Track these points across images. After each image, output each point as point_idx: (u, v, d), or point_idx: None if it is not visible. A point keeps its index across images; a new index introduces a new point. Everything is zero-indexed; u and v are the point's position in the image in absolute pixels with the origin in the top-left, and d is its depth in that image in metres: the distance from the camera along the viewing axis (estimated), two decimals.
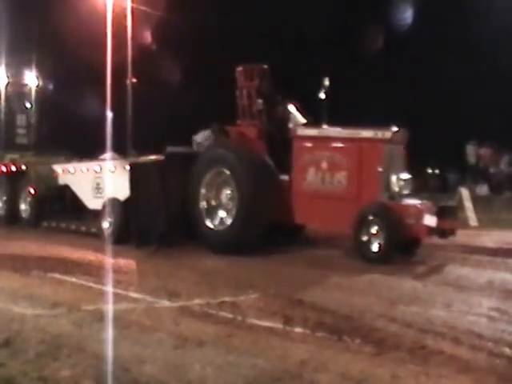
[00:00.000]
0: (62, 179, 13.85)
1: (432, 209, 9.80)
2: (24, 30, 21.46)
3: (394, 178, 9.98)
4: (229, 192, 10.89)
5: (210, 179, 11.07)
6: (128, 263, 9.77)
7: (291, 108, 11.57)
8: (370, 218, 9.62)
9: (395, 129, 10.29)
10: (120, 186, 11.62)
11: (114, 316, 6.31)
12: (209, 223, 10.95)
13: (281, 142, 11.08)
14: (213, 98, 24.01)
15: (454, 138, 25.47)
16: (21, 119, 17.19)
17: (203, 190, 11.07)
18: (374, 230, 9.57)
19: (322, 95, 11.61)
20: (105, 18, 26.30)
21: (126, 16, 27.88)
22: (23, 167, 14.71)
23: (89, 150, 15.46)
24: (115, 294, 7.40)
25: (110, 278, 8.19)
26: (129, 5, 28.05)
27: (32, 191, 14.29)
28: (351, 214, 9.75)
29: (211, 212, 11.02)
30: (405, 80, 29.92)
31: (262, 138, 11.23)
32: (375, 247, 9.55)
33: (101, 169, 12.72)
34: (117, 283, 8.01)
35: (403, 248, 9.80)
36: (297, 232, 11.67)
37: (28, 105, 17.25)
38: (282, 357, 5.24)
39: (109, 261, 9.64)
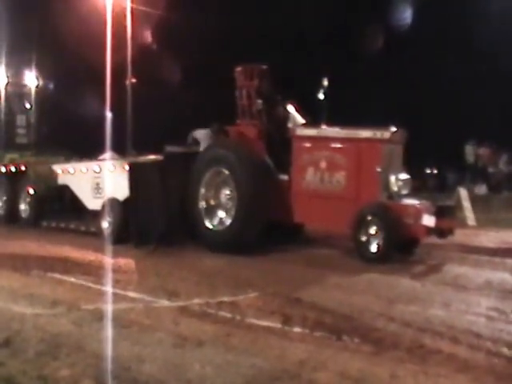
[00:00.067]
0: (62, 179, 13.85)
1: (430, 208, 9.81)
2: (24, 30, 21.48)
3: (392, 178, 10.00)
4: (228, 192, 10.91)
5: (210, 179, 11.08)
6: (127, 263, 9.77)
7: (290, 108, 11.59)
8: (369, 217, 9.64)
9: (394, 129, 10.30)
10: (119, 185, 11.64)
11: (114, 315, 6.33)
12: (208, 223, 10.97)
13: (280, 141, 11.09)
14: (213, 98, 24.02)
15: (452, 137, 25.49)
16: (20, 119, 17.19)
17: (202, 190, 11.09)
18: (372, 229, 9.58)
19: (321, 95, 11.62)
20: (105, 17, 26.32)
21: (125, 16, 27.90)
22: (23, 167, 14.71)
23: (88, 149, 15.47)
24: (115, 294, 7.42)
25: (109, 277, 8.21)
26: (128, 5, 28.06)
27: (31, 191, 14.30)
28: (350, 214, 9.77)
29: (210, 212, 11.04)
30: (405, 80, 29.95)
31: (261, 138, 11.25)
32: (374, 247, 9.56)
33: (100, 169, 12.73)
34: (116, 283, 8.03)
35: (402, 248, 9.81)
36: (296, 232, 11.67)
37: (28, 105, 17.26)
38: (280, 356, 5.26)
39: (108, 260, 9.66)
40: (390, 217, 9.57)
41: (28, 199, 14.40)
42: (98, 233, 12.12)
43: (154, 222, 10.96)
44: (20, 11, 24.53)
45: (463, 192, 15.43)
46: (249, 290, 7.61)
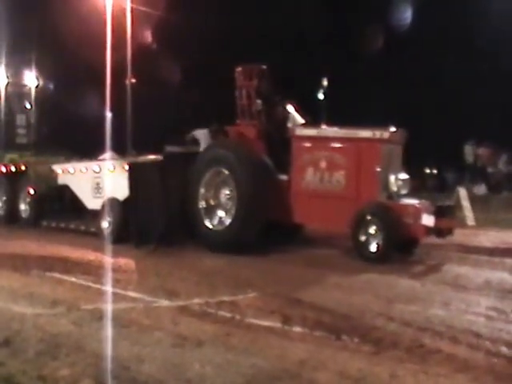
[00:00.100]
0: (62, 179, 13.86)
1: (430, 208, 9.82)
2: (24, 30, 21.50)
3: (392, 178, 10.01)
4: (228, 192, 10.91)
5: (209, 179, 11.09)
6: (127, 263, 9.77)
7: (290, 108, 11.59)
8: (369, 217, 9.64)
9: (393, 129, 10.31)
10: (119, 185, 11.64)
11: (113, 315, 6.33)
12: (208, 223, 10.97)
13: (280, 141, 11.09)
14: (213, 98, 24.04)
15: (452, 137, 25.51)
16: (20, 119, 17.21)
17: (202, 190, 11.09)
18: (372, 229, 9.58)
19: (321, 95, 11.65)
20: (104, 17, 26.32)
21: (125, 16, 27.91)
22: (23, 167, 14.72)
23: (88, 149, 15.49)
24: (114, 294, 7.42)
25: (109, 277, 8.21)
26: (128, 5, 28.06)
27: (31, 191, 14.30)
28: (349, 214, 9.77)
29: (210, 212, 11.05)
30: (405, 80, 29.97)
31: (260, 138, 11.25)
32: (373, 247, 9.56)
33: (100, 169, 12.74)
34: (116, 282, 8.03)
35: (401, 247, 9.82)
36: (295, 231, 11.69)
37: (28, 105, 17.27)
38: (280, 356, 5.26)
39: (108, 260, 9.66)
40: (390, 217, 9.57)
41: (28, 199, 14.41)
42: (98, 233, 12.13)
43: (154, 221, 10.97)
44: (20, 11, 24.54)
45: (462, 192, 15.43)
46: (248, 290, 7.61)
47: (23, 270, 8.96)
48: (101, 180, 12.65)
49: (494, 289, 7.94)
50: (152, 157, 12.08)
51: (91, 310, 6.63)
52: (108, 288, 7.65)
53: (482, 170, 22.66)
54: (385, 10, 29.43)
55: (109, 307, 6.63)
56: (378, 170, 9.97)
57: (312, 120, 11.71)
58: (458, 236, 10.68)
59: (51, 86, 18.21)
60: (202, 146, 11.73)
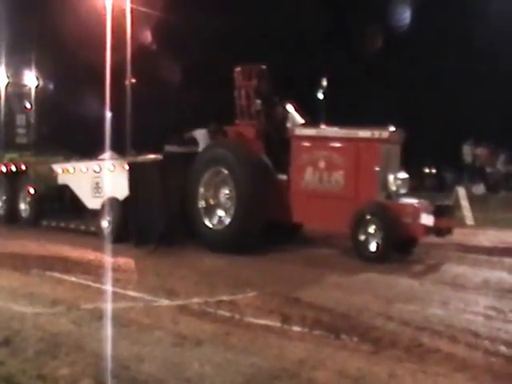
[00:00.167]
0: (62, 179, 13.87)
1: (429, 208, 9.84)
2: (24, 30, 21.51)
3: (391, 178, 10.02)
4: (227, 191, 10.93)
5: (209, 178, 11.10)
6: (127, 262, 9.79)
7: (289, 108, 11.60)
8: (368, 217, 9.65)
9: (392, 129, 10.33)
10: (119, 185, 11.66)
11: (113, 314, 6.35)
12: (207, 222, 10.99)
13: (279, 141, 11.10)
14: (213, 98, 24.03)
15: (451, 137, 25.53)
16: (20, 119, 17.23)
17: (202, 190, 11.11)
18: (371, 229, 9.59)
19: (320, 95, 11.66)
20: (104, 18, 26.33)
21: (125, 16, 27.91)
22: (23, 167, 14.73)
23: (88, 149, 15.50)
24: (114, 293, 7.43)
25: (109, 276, 8.22)
26: (128, 5, 28.07)
27: (31, 191, 14.31)
28: (349, 214, 9.78)
29: (210, 211, 11.06)
30: (404, 80, 29.96)
31: (260, 138, 11.26)
32: (373, 246, 9.57)
33: (100, 168, 12.75)
34: (116, 282, 8.04)
35: (400, 247, 9.83)
36: (294, 231, 11.70)
37: (28, 105, 17.28)
38: (279, 355, 5.27)
39: (108, 260, 9.67)
40: (389, 216, 9.59)
41: (28, 199, 14.41)
42: (98, 232, 12.15)
43: (154, 221, 10.98)
44: (20, 11, 24.54)
45: (461, 191, 15.44)
46: (248, 290, 7.63)
47: (23, 270, 8.98)
48: (101, 180, 12.66)
49: (492, 288, 7.95)
50: (152, 156, 12.09)
51: (91, 310, 6.65)
52: (108, 287, 7.66)
53: (480, 169, 22.68)
54: (384, 10, 29.43)
55: (108, 306, 6.65)
56: (377, 169, 9.98)
57: (311, 120, 11.72)
58: (457, 235, 10.68)
59: (51, 86, 18.24)
60: (201, 146, 11.74)
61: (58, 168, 13.97)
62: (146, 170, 11.50)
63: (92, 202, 12.84)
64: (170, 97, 31.07)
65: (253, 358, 5.15)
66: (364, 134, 10.30)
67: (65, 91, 21.43)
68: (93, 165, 13.07)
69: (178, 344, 5.53)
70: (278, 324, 6.22)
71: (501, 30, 25.62)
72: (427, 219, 9.59)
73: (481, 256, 10.29)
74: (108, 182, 12.27)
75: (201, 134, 11.96)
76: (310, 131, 11.01)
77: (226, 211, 10.89)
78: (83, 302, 6.99)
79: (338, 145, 10.53)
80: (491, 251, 10.65)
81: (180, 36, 30.01)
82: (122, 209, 11.77)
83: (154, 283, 8.11)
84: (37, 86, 17.33)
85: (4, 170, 15.01)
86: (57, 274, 8.69)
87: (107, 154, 14.04)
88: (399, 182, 10.07)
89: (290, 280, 8.49)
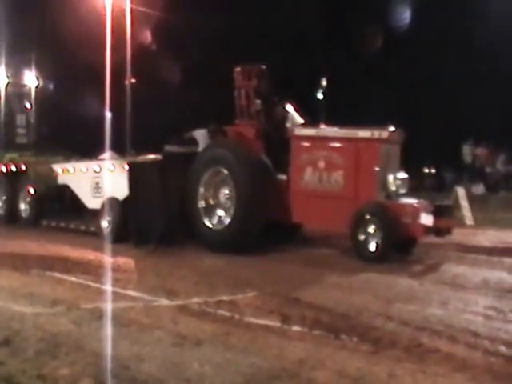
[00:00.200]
0: (62, 179, 13.88)
1: (428, 208, 9.85)
2: (24, 30, 21.52)
3: (390, 178, 10.02)
4: (227, 191, 10.94)
5: (209, 178, 11.11)
6: (127, 262, 9.80)
7: (289, 108, 11.60)
8: (367, 217, 9.66)
9: (392, 129, 10.34)
10: (119, 185, 11.67)
11: (113, 314, 6.35)
12: (207, 222, 11.00)
13: (278, 141, 11.11)
14: (213, 98, 24.03)
15: (450, 137, 25.53)
16: (20, 119, 17.24)
17: (201, 190, 11.12)
18: (371, 229, 9.60)
19: (320, 95, 11.65)
20: (104, 18, 26.34)
21: (125, 16, 27.91)
22: (23, 167, 14.74)
23: (88, 149, 15.51)
24: (114, 293, 7.44)
25: (108, 276, 8.22)
26: (128, 5, 28.07)
27: (31, 191, 14.32)
28: (348, 213, 9.79)
29: (209, 211, 11.07)
30: (404, 80, 29.95)
31: (259, 138, 11.27)
32: (372, 246, 9.58)
33: (100, 168, 12.76)
34: (116, 282, 8.05)
35: (400, 247, 9.84)
36: (294, 231, 11.71)
37: (28, 105, 17.29)
38: (279, 355, 5.28)
39: (108, 260, 9.68)
40: (389, 216, 9.59)
41: (28, 199, 14.42)
42: (98, 232, 12.15)
43: (154, 221, 10.99)
44: (20, 11, 24.54)
45: (461, 191, 15.44)
46: (247, 290, 7.63)
47: (23, 270, 8.99)
48: (100, 180, 12.67)
49: (492, 288, 7.96)
50: (152, 156, 12.10)
51: (91, 310, 6.65)
52: (108, 287, 7.67)
53: (480, 169, 22.70)
54: (384, 10, 29.43)
55: (108, 306, 6.65)
56: (377, 169, 9.99)
57: (311, 120, 11.73)
58: (457, 235, 10.69)
59: (51, 86, 18.24)
60: (201, 146, 11.75)
61: (57, 168, 13.98)
62: (146, 170, 11.51)
63: (92, 202, 12.85)
64: (170, 97, 31.07)
65: (252, 358, 5.15)
66: (364, 134, 10.30)
67: (65, 91, 21.43)
68: (93, 165, 13.08)
69: (178, 344, 5.53)
70: (277, 324, 6.22)
71: (501, 29, 25.62)
72: (427, 219, 9.60)
73: (480, 256, 10.29)
74: (108, 182, 12.29)
75: (200, 134, 11.97)
76: (310, 131, 11.01)
77: (226, 211, 10.90)
78: (83, 301, 7.00)
79: (337, 145, 10.53)
80: (491, 251, 10.66)
81: (180, 36, 30.01)
82: (122, 209, 11.78)
83: (153, 283, 8.11)
84: (37, 86, 17.34)
85: (4, 169, 15.02)
86: (57, 274, 8.69)
87: (107, 154, 14.05)
88: (399, 182, 10.08)
89: (290, 280, 8.49)
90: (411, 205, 9.85)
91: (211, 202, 11.11)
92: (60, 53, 25.71)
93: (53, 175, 13.99)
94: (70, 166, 13.85)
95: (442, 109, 30.38)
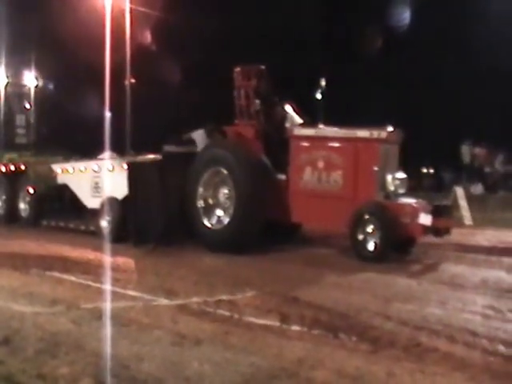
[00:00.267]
0: (61, 178, 13.89)
1: (427, 208, 9.86)
2: (24, 30, 21.53)
3: (389, 178, 10.04)
4: (226, 191, 10.95)
5: (208, 178, 11.13)
6: (126, 262, 9.81)
7: (288, 108, 11.62)
8: (366, 216, 9.68)
9: (390, 129, 10.36)
10: (118, 185, 11.68)
11: (113, 314, 6.35)
12: (206, 222, 11.01)
13: (278, 141, 11.13)
14: (213, 98, 24.02)
15: (449, 137, 25.53)
16: (20, 119, 17.25)
17: (201, 189, 11.13)
18: (369, 228, 9.62)
19: (319, 95, 11.67)
20: (104, 18, 26.33)
21: (124, 16, 27.91)
22: (22, 167, 14.75)
23: (88, 149, 15.51)
24: (114, 292, 7.44)
25: (108, 276, 8.22)
26: (127, 5, 28.07)
27: (31, 190, 14.34)
28: (347, 213, 9.81)
29: (209, 211, 11.08)
30: (404, 80, 29.94)
31: (259, 138, 11.29)
32: (371, 246, 9.60)
33: (99, 168, 12.77)
34: (115, 281, 8.05)
35: (399, 247, 9.86)
36: (293, 231, 11.72)
37: (27, 105, 17.30)
38: (278, 354, 5.29)
39: (107, 259, 9.67)
40: (387, 216, 9.61)
41: (28, 199, 14.44)
42: (97, 232, 12.16)
43: (153, 221, 11.00)
44: (20, 11, 24.55)
45: (460, 191, 15.46)
46: (247, 289, 7.65)
47: (23, 269, 8.99)
48: (100, 179, 12.69)
49: (490, 288, 7.98)
50: (151, 156, 12.11)
51: (91, 309, 6.66)
52: (107, 287, 7.67)
53: (478, 169, 22.71)
54: (384, 10, 29.42)
55: (108, 306, 6.65)
56: (376, 169, 10.00)
57: (310, 120, 11.74)
58: (456, 235, 10.71)
59: (51, 86, 18.25)
60: (199, 147, 11.76)
61: (57, 168, 14.00)
62: (146, 169, 11.52)
63: (91, 202, 12.87)
64: (170, 97, 31.06)
65: (252, 358, 5.16)
66: (362, 134, 10.33)
67: (64, 91, 21.45)
68: (92, 164, 13.10)
69: (178, 343, 5.54)
70: (276, 323, 6.24)
71: (501, 30, 25.62)
72: (425, 219, 9.62)
73: (479, 256, 10.31)
74: (107, 182, 12.30)
75: (198, 135, 11.98)
76: (309, 131, 11.03)
77: (225, 211, 10.91)
78: (83, 301, 7.01)
79: (336, 145, 10.55)
80: (489, 251, 10.68)
81: (179, 36, 29.99)
82: (122, 208, 11.80)
83: (153, 283, 8.13)
84: (36, 86, 17.35)
85: (4, 169, 15.02)
86: (56, 274, 8.70)
87: (106, 154, 14.06)
88: (397, 182, 10.10)
89: (289, 279, 8.51)
90: (410, 205, 9.87)
91: (210, 201, 11.13)
92: (60, 53, 25.70)
93: (52, 175, 14.00)
94: (69, 165, 13.87)
95: (441, 109, 30.37)
